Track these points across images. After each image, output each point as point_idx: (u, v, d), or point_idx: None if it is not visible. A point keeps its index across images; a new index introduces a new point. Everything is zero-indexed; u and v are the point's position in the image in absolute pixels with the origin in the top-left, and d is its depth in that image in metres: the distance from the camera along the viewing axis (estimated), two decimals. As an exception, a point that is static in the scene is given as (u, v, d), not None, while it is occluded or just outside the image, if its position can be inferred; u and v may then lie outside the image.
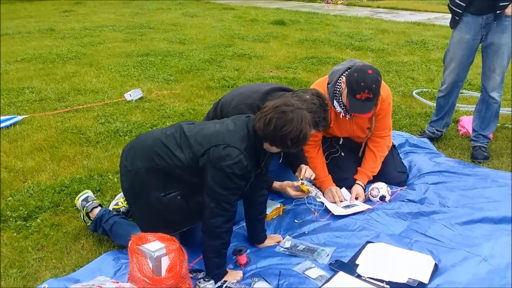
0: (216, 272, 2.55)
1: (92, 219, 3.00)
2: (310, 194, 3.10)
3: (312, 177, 3.16)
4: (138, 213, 2.70)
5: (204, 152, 2.45)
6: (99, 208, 3.06)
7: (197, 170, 2.48)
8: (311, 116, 2.85)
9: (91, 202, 3.09)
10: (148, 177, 2.58)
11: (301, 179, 3.11)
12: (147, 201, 2.60)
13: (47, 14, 12.52)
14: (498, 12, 3.81)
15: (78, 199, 3.16)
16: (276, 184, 3.31)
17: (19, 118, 4.88)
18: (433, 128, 4.47)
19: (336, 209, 3.24)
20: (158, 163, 2.55)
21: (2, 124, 4.68)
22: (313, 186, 3.15)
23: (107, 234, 2.93)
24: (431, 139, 4.44)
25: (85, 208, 3.06)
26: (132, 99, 5.51)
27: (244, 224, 2.97)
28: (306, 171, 3.13)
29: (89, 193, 3.19)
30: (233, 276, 2.59)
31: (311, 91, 2.93)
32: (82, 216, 3.09)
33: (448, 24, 4.24)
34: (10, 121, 4.77)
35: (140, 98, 5.59)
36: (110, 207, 3.19)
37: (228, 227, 2.50)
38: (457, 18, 4.05)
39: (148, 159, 2.58)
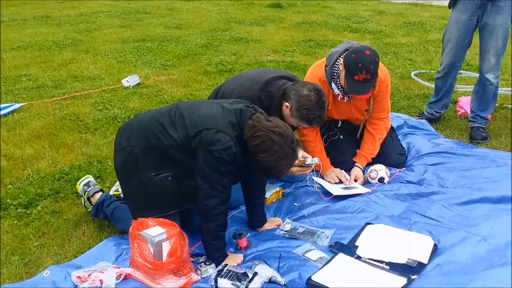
0: (216, 255, 2.57)
1: (94, 204, 3.01)
2: (309, 163, 3.11)
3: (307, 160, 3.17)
4: (128, 192, 2.70)
5: (197, 133, 2.46)
6: (101, 193, 3.07)
7: (190, 150, 2.49)
8: (306, 113, 2.86)
9: (92, 186, 3.10)
10: (142, 156, 2.59)
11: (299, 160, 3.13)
12: (138, 180, 2.61)
13: (42, 0, 12.41)
14: None
15: (79, 184, 3.17)
16: None
17: (17, 106, 4.86)
18: (432, 110, 4.47)
19: (335, 190, 3.25)
20: (152, 141, 2.56)
21: (1, 112, 4.66)
22: (309, 157, 3.16)
23: (108, 219, 2.94)
24: (430, 121, 4.44)
25: (86, 193, 3.07)
26: (129, 85, 5.49)
27: (244, 208, 2.98)
28: (298, 153, 3.14)
29: (90, 178, 3.21)
30: (233, 259, 2.60)
31: (310, 85, 2.93)
32: (83, 202, 3.10)
33: (446, 5, 4.21)
34: (8, 109, 4.75)
35: (138, 84, 5.57)
36: (110, 193, 3.19)
37: (223, 209, 2.51)
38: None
39: (144, 138, 2.59)
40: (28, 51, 7.19)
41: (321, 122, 3.02)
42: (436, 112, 4.46)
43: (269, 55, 6.87)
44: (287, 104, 2.92)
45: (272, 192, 3.24)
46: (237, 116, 2.52)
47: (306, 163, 3.11)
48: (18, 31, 8.65)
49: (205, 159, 2.43)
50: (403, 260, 2.53)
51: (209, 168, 2.43)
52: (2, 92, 5.38)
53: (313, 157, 3.22)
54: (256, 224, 2.93)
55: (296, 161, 3.14)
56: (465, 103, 4.66)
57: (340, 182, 3.39)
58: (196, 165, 2.47)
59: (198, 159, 2.45)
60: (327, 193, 3.27)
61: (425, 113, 4.52)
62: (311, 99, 2.87)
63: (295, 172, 3.21)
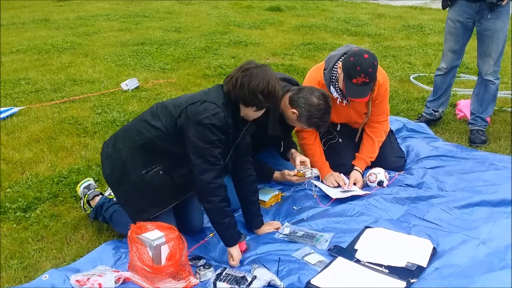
0: (229, 235, 2.56)
1: (93, 207, 3.01)
2: (308, 177, 3.13)
3: (307, 162, 3.18)
4: (123, 197, 2.70)
5: (182, 111, 2.49)
6: (100, 196, 3.07)
7: (176, 135, 2.51)
8: (316, 121, 2.90)
9: (92, 190, 3.11)
10: (129, 157, 2.61)
11: (297, 169, 3.16)
12: (130, 182, 2.62)
13: (41, 4, 12.41)
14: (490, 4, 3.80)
15: (80, 186, 3.17)
16: (277, 173, 3.32)
17: (15, 109, 4.86)
18: (430, 109, 4.46)
19: (334, 193, 3.25)
20: (137, 139, 2.59)
21: (0, 116, 4.66)
22: (307, 168, 3.16)
23: (107, 222, 2.94)
24: (429, 122, 4.44)
25: (86, 195, 3.08)
26: (128, 89, 5.49)
27: (243, 211, 2.98)
28: (296, 159, 3.20)
29: (91, 181, 3.22)
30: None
31: (318, 93, 2.94)
32: (82, 204, 3.10)
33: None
34: (7, 112, 4.75)
35: (137, 88, 5.58)
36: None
37: (220, 182, 2.50)
38: (451, 2, 4.05)
39: (128, 139, 2.63)
40: (27, 54, 7.19)
41: (327, 127, 3.05)
42: (434, 110, 4.45)
43: (268, 58, 6.88)
44: (294, 110, 2.92)
45: (271, 196, 3.24)
46: (218, 88, 2.59)
47: (306, 176, 3.12)
48: (17, 34, 8.65)
49: (195, 131, 2.44)
50: (402, 264, 2.53)
51: (200, 140, 2.43)
52: (1, 95, 5.38)
53: (311, 160, 3.23)
54: (254, 225, 2.92)
55: (295, 171, 3.17)
56: (464, 106, 4.66)
57: (339, 186, 3.39)
58: (186, 143, 2.47)
59: (187, 136, 2.46)
60: (325, 198, 3.26)
61: (424, 114, 4.52)
62: (321, 108, 2.90)
63: (294, 181, 3.23)
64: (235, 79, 2.50)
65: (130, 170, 2.61)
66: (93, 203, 3.04)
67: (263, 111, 2.63)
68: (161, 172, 2.59)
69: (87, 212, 3.06)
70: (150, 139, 2.56)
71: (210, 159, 2.45)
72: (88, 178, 3.25)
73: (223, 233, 2.58)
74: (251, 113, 2.60)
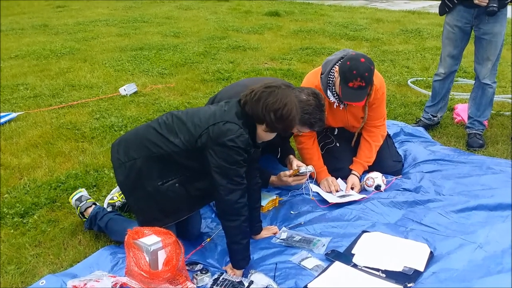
0: (242, 256, 2.54)
1: (86, 217, 3.00)
2: (303, 172, 3.14)
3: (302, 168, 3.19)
4: (136, 205, 2.68)
5: (203, 132, 2.45)
6: (93, 206, 3.05)
7: (194, 152, 2.48)
8: (307, 118, 2.88)
9: (84, 202, 3.08)
10: (145, 167, 2.56)
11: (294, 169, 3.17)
12: (145, 191, 2.59)
13: (40, 10, 12.45)
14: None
15: (71, 198, 3.15)
16: (274, 177, 3.32)
17: (14, 115, 4.87)
18: (428, 114, 4.47)
19: (331, 198, 3.25)
20: (154, 151, 2.54)
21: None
22: (303, 166, 3.19)
23: (103, 231, 2.93)
24: (427, 127, 4.45)
25: (78, 207, 3.06)
26: (126, 94, 5.50)
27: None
28: (293, 163, 3.22)
29: (83, 192, 3.18)
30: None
31: (307, 90, 2.95)
32: (78, 213, 3.10)
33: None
34: (5, 118, 4.76)
35: (135, 93, 5.58)
36: (106, 202, 3.19)
37: (245, 201, 2.49)
38: (449, 9, 4.06)
39: (143, 148, 2.57)
40: (26, 60, 7.20)
41: (322, 126, 3.04)
42: (432, 116, 4.46)
43: (266, 63, 6.89)
44: None
45: (268, 200, 3.24)
46: (237, 106, 2.54)
47: (300, 171, 3.13)
48: (16, 40, 8.67)
49: (219, 153, 2.41)
50: (399, 268, 2.53)
51: (225, 161, 2.41)
52: (0, 101, 5.38)
53: (309, 164, 3.23)
54: (253, 231, 2.90)
55: (290, 171, 3.18)
56: (462, 110, 4.67)
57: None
58: (208, 162, 2.44)
59: (210, 156, 2.43)
60: (323, 201, 3.27)
61: (423, 119, 4.52)
62: (310, 103, 2.89)
63: (291, 182, 3.22)
64: (254, 93, 2.46)
65: (145, 180, 2.58)
66: (86, 214, 3.02)
67: (274, 134, 2.60)
68: (177, 184, 2.57)
69: (84, 220, 3.05)
70: (168, 153, 2.52)
71: (236, 179, 2.43)
72: (79, 190, 3.21)
73: (238, 253, 2.55)
74: (263, 133, 2.56)
